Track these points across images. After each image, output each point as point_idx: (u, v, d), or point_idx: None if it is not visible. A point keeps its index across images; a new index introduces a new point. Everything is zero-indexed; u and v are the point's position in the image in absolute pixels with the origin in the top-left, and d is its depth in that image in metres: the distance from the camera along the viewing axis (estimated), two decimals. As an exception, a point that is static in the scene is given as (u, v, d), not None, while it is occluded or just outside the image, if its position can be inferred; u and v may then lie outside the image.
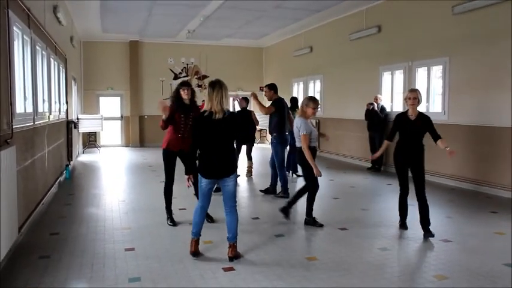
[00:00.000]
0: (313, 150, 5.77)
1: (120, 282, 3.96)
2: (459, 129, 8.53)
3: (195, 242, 4.62)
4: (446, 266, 4.39)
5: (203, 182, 4.50)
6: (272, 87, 7.89)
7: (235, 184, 4.55)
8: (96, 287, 3.87)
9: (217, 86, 4.34)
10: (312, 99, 5.82)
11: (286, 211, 6.06)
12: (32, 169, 6.12)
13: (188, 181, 4.65)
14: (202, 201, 4.60)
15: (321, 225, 5.77)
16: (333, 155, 13.15)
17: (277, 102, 7.71)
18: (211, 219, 5.86)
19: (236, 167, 4.59)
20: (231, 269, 4.27)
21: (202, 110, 4.48)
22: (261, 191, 8.00)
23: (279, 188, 7.75)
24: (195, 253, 4.59)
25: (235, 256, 4.52)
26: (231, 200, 4.54)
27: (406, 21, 10.02)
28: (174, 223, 5.82)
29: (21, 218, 5.21)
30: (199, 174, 4.50)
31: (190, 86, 5.81)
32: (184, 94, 5.66)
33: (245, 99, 9.34)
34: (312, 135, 5.74)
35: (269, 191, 7.90)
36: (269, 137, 7.97)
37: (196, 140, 4.50)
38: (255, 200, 7.46)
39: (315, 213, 5.90)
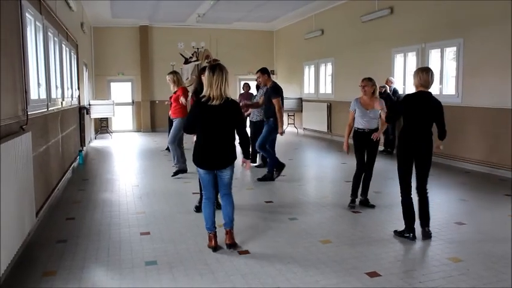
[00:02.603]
0: (356, 133, 5.72)
1: (137, 265, 4.01)
2: (473, 111, 8.44)
3: (213, 235, 4.38)
4: (461, 249, 4.38)
5: (200, 172, 4.31)
6: (265, 72, 7.68)
7: (232, 174, 4.36)
8: (113, 271, 3.92)
9: (217, 70, 4.07)
10: (362, 79, 5.80)
11: (366, 203, 5.94)
12: (46, 155, 6.19)
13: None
14: (206, 192, 4.39)
15: (371, 204, 5.87)
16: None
17: (278, 90, 7.46)
18: (218, 206, 5.49)
19: (235, 157, 4.32)
20: (246, 252, 4.31)
21: (201, 95, 4.23)
22: (258, 179, 7.69)
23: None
24: (215, 248, 4.33)
25: (232, 244, 4.35)
26: (226, 188, 4.38)
27: (419, 1, 9.84)
28: (198, 209, 5.58)
29: (38, 204, 5.28)
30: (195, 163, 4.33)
31: None
32: None
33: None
34: (356, 113, 5.68)
35: (266, 177, 7.67)
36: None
37: (188, 126, 4.32)
38: (268, 184, 7.46)
39: (328, 195, 5.90)
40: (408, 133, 4.71)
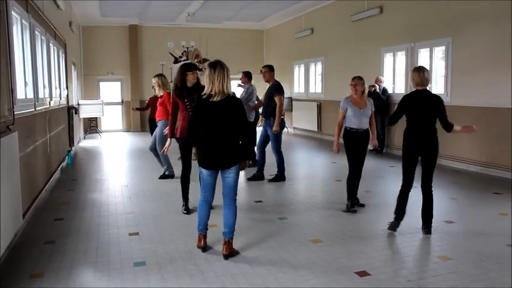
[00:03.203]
0: (348, 132, 5.70)
1: (125, 266, 3.97)
2: (462, 110, 8.47)
3: (203, 236, 4.34)
4: (451, 247, 4.40)
5: (203, 172, 4.16)
6: (272, 69, 7.72)
7: (237, 176, 4.16)
8: (101, 272, 3.88)
9: (218, 66, 3.98)
10: (353, 78, 5.75)
11: (354, 204, 5.77)
12: (34, 155, 6.12)
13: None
14: (205, 194, 4.25)
15: (357, 208, 5.76)
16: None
17: (281, 88, 7.53)
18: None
19: (240, 157, 4.15)
20: (236, 252, 4.28)
21: (202, 93, 4.09)
22: (248, 179, 7.69)
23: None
24: (204, 248, 4.31)
25: (230, 254, 4.15)
26: (231, 192, 4.18)
27: (408, 1, 9.87)
28: (188, 211, 5.61)
29: (25, 205, 5.21)
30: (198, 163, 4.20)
31: (197, 68, 5.66)
32: (192, 78, 5.46)
33: None
34: (348, 112, 5.64)
35: (256, 177, 7.68)
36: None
37: (192, 125, 4.16)
38: (258, 183, 7.45)
39: (318, 194, 5.89)
40: (412, 132, 4.78)
